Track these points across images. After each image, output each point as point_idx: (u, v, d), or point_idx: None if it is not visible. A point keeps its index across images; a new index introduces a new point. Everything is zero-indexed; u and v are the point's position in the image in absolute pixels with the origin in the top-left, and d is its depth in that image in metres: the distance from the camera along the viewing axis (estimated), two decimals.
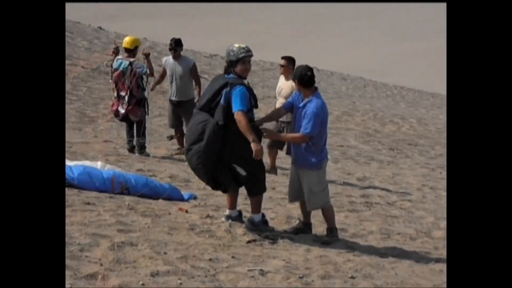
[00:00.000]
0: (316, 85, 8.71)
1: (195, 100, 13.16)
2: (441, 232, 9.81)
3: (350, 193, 12.06)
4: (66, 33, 24.65)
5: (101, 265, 6.82)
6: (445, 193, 12.51)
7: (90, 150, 12.98)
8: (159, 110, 16.89)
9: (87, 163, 10.17)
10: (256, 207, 8.58)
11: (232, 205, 8.76)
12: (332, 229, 8.78)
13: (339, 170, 14.38)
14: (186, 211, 9.11)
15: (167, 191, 9.79)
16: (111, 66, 13.32)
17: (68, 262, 6.61)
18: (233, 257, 7.62)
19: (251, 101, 8.24)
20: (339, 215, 9.84)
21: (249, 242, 8.17)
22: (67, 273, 6.39)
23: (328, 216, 8.78)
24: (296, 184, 8.73)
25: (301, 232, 8.83)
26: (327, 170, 8.92)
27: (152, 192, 9.63)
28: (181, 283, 6.67)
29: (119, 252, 7.20)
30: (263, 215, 8.66)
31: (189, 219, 8.78)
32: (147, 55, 13.35)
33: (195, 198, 10.07)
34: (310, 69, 8.57)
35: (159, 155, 13.55)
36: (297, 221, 9.11)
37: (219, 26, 50.11)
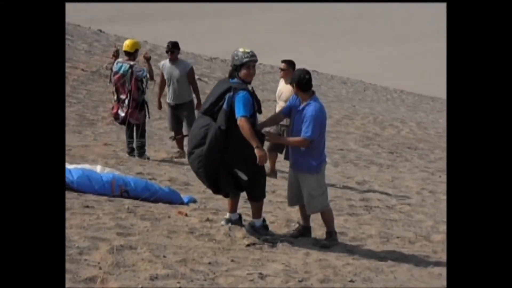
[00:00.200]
0: (316, 88, 8.72)
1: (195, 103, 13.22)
2: (440, 236, 9.81)
3: (350, 196, 12.06)
4: (66, 36, 24.65)
5: (100, 268, 6.82)
6: (444, 197, 12.52)
7: (90, 153, 12.98)
8: (159, 113, 16.89)
9: (86, 166, 10.17)
10: (257, 212, 8.59)
11: (233, 208, 8.75)
12: (331, 233, 8.78)
13: (339, 174, 14.38)
14: (186, 215, 9.10)
15: (166, 194, 9.79)
16: (111, 69, 13.32)
17: (67, 265, 6.60)
18: (232, 260, 7.62)
19: (254, 106, 8.25)
20: (338, 219, 9.84)
21: (248, 245, 8.17)
22: (66, 276, 6.38)
23: (328, 219, 8.79)
24: (295, 188, 8.73)
25: (301, 235, 8.83)
26: (326, 174, 8.93)
27: (151, 195, 9.63)
28: (180, 287, 6.67)
29: (118, 255, 7.20)
30: (264, 220, 8.67)
31: (188, 223, 8.77)
32: (148, 59, 13.37)
33: (194, 201, 10.07)
34: (307, 73, 8.58)
35: (159, 158, 13.55)
36: (297, 225, 9.12)
37: (219, 28, 50.15)
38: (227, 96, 8.19)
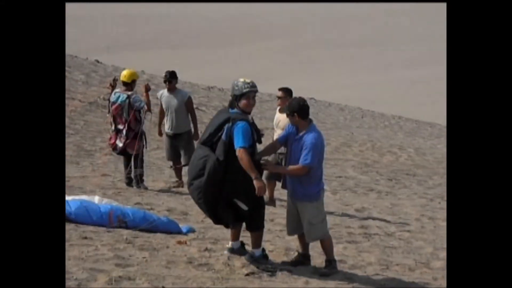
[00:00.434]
0: (314, 116, 8.74)
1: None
2: (440, 263, 9.77)
3: (349, 224, 12.02)
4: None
5: None
6: (443, 223, 12.48)
7: (88, 184, 12.96)
8: (157, 143, 16.89)
9: (84, 197, 10.15)
10: (256, 242, 8.56)
11: (235, 236, 8.72)
12: (331, 261, 8.75)
13: (337, 201, 14.35)
14: (185, 243, 9.07)
15: (165, 224, 9.76)
16: (109, 99, 13.33)
17: None
18: None
19: (253, 137, 8.25)
20: (337, 247, 9.80)
21: (247, 274, 8.14)
22: None
23: (327, 247, 8.76)
24: (294, 217, 8.71)
25: (300, 264, 8.79)
26: (325, 201, 8.90)
27: (150, 226, 9.60)
28: None
29: (116, 286, 7.16)
30: (263, 250, 8.64)
31: (187, 252, 8.74)
32: (147, 90, 13.42)
33: (193, 231, 10.04)
34: (305, 100, 8.70)
35: (157, 188, 13.53)
36: (296, 253, 9.08)
37: (216, 57, 50.30)
38: (226, 127, 8.19)
